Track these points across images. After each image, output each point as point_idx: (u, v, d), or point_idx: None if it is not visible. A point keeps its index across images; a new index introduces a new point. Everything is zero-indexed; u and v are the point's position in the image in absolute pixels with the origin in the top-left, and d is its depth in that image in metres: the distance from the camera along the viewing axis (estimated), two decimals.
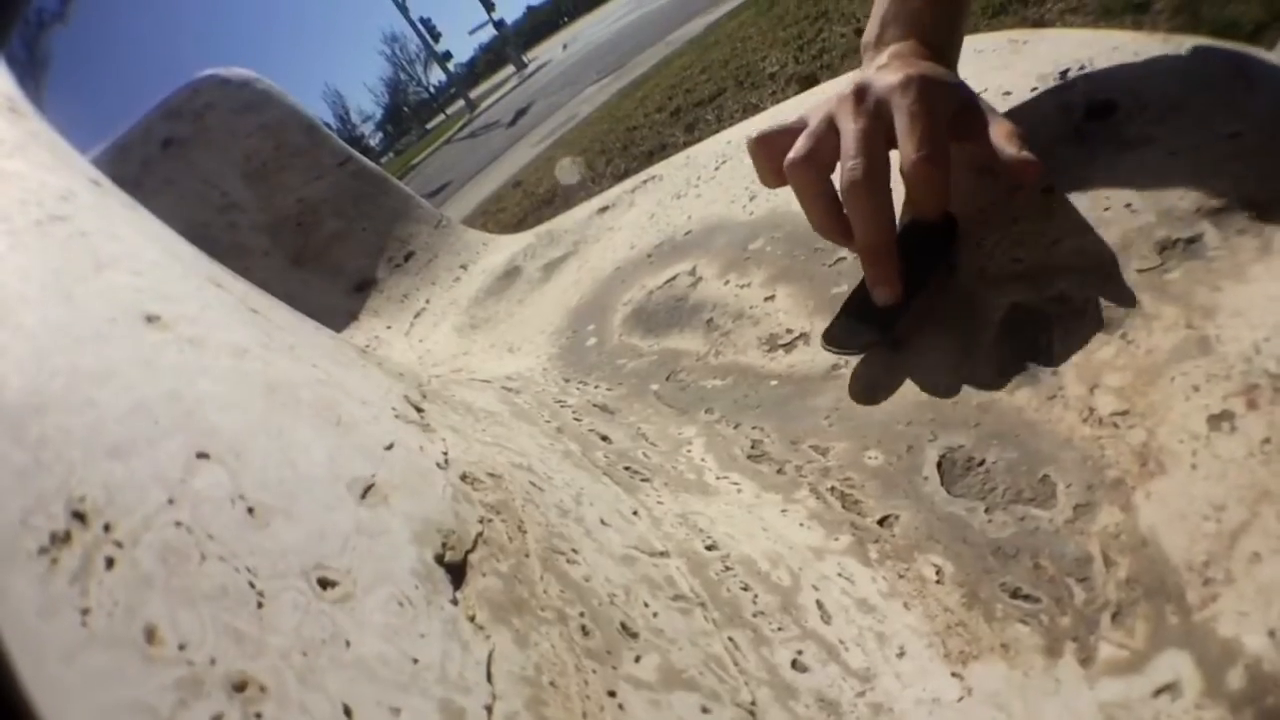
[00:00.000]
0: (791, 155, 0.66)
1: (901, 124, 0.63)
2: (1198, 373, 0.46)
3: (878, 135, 0.64)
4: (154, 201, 0.52)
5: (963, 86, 0.68)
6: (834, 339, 0.64)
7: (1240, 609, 0.37)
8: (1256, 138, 0.54)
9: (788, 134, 0.70)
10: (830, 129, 0.67)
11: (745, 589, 0.48)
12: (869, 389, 0.61)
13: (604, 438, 0.67)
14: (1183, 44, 0.66)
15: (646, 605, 0.44)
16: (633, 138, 7.07)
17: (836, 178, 0.65)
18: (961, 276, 0.62)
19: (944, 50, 0.74)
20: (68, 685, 0.23)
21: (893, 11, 0.76)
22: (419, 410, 0.53)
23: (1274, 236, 0.48)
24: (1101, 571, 0.42)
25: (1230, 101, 0.58)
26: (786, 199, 0.85)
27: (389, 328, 1.32)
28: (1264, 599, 0.36)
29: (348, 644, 0.31)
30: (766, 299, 0.76)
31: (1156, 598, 0.40)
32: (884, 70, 0.67)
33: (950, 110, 0.65)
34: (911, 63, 0.67)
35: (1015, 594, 0.44)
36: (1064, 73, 0.72)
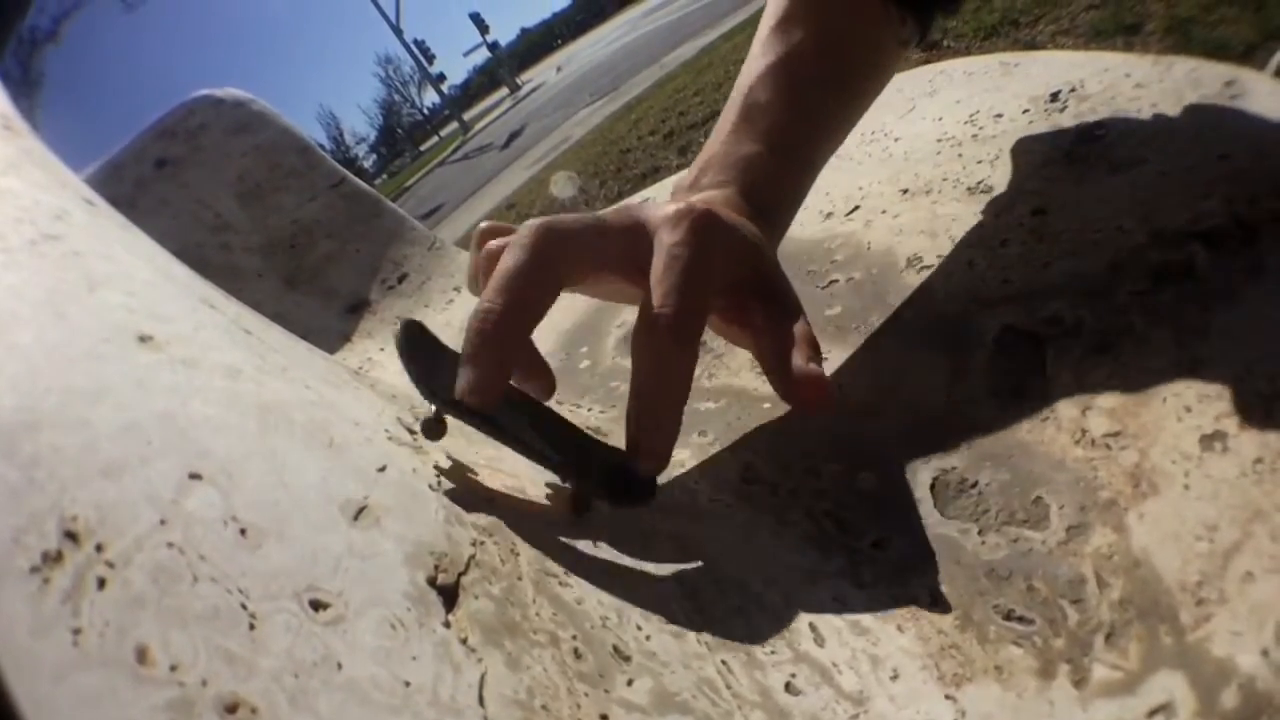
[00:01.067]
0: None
1: (655, 266, 0.51)
2: (1189, 393, 0.46)
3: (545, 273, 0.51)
4: (148, 221, 0.53)
5: (763, 252, 0.55)
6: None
7: (1234, 628, 0.37)
8: (1246, 158, 0.54)
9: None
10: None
11: (738, 612, 0.48)
12: (857, 409, 0.61)
13: None
14: (1172, 64, 0.67)
15: (639, 628, 0.44)
16: (626, 160, 7.10)
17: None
18: (953, 299, 0.62)
19: (771, 214, 0.61)
20: (59, 705, 0.23)
21: (719, 154, 0.64)
22: (412, 432, 0.53)
23: (1265, 257, 0.49)
24: (1095, 593, 0.42)
25: (1220, 123, 0.58)
26: None
27: (382, 349, 1.32)
28: (1257, 618, 0.36)
29: (340, 666, 0.31)
30: None
31: (1150, 618, 0.40)
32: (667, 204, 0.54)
33: (732, 270, 0.53)
34: (708, 202, 0.55)
35: (1009, 616, 0.44)
36: (1055, 94, 0.73)
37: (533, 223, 0.52)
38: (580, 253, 0.53)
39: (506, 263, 0.51)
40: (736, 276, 0.53)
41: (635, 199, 1.26)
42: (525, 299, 0.51)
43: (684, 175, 0.62)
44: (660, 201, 0.55)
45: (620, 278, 0.54)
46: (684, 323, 0.49)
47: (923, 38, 0.67)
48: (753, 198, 0.59)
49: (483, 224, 0.59)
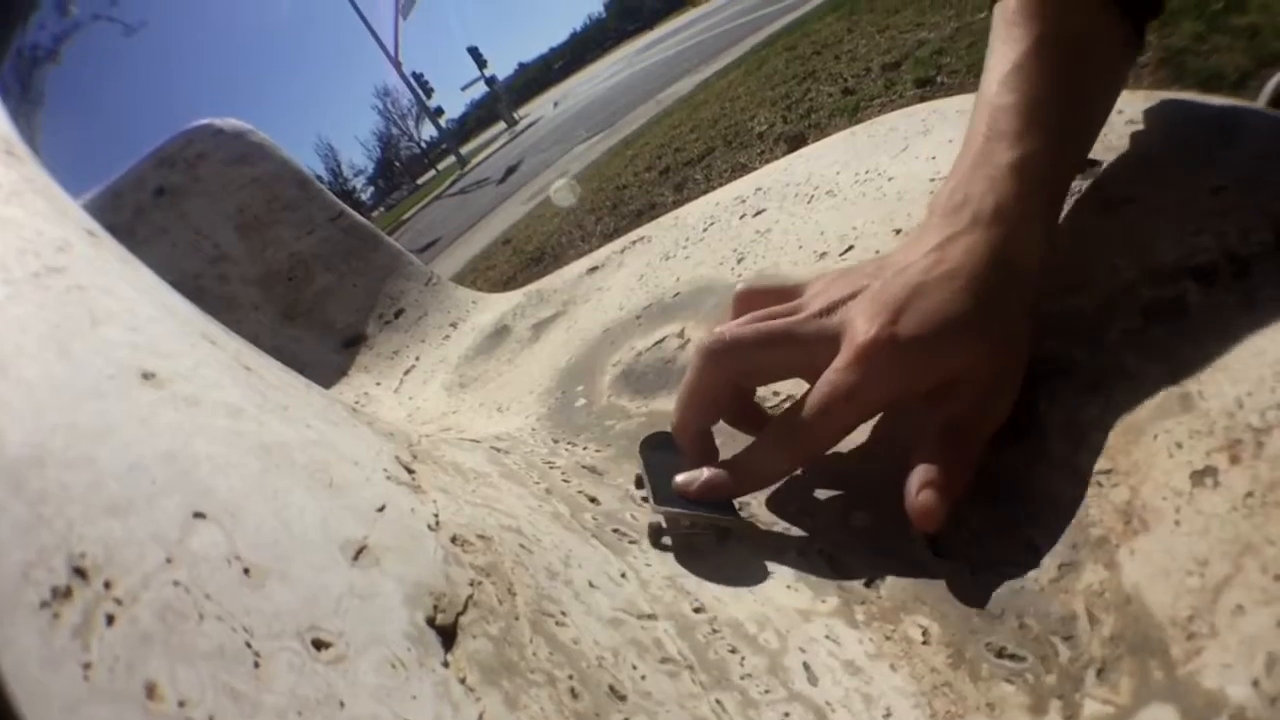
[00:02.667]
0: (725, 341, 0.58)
1: (809, 403, 0.54)
2: (1180, 429, 0.46)
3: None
4: (147, 250, 0.53)
5: (966, 338, 0.52)
6: (665, 503, 0.58)
7: (1224, 661, 0.37)
8: (1239, 192, 0.55)
9: (772, 296, 0.63)
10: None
11: (733, 651, 0.48)
12: (851, 448, 0.61)
13: (592, 499, 0.67)
14: (1164, 99, 0.68)
15: (635, 668, 0.44)
16: (622, 196, 7.12)
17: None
18: None
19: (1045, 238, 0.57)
20: None
21: (978, 191, 0.57)
22: (410, 471, 0.53)
23: (1256, 291, 0.49)
24: (1086, 629, 0.43)
25: (1212, 156, 0.59)
26: (774, 261, 0.86)
27: (378, 384, 1.32)
28: (1247, 650, 0.36)
29: (342, 705, 0.31)
30: None
31: (1141, 653, 0.40)
32: (878, 280, 0.55)
33: (917, 378, 0.54)
34: (922, 294, 0.53)
35: (1001, 653, 0.45)
36: None
37: (721, 334, 0.59)
38: (759, 369, 0.60)
39: (689, 381, 0.60)
40: (898, 396, 0.55)
41: (631, 236, 1.26)
42: (703, 417, 0.62)
43: (966, 201, 0.56)
44: (890, 270, 0.56)
45: (805, 379, 0.58)
46: (818, 432, 0.55)
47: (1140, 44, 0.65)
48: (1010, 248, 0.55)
49: (740, 287, 0.65)
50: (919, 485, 0.50)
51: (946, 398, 0.53)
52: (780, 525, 0.60)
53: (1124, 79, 0.65)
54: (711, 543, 0.58)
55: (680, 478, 0.58)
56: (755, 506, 0.62)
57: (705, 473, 0.58)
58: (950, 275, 0.53)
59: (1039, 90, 0.58)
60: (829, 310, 0.56)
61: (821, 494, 0.60)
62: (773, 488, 0.62)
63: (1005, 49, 0.61)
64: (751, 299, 0.64)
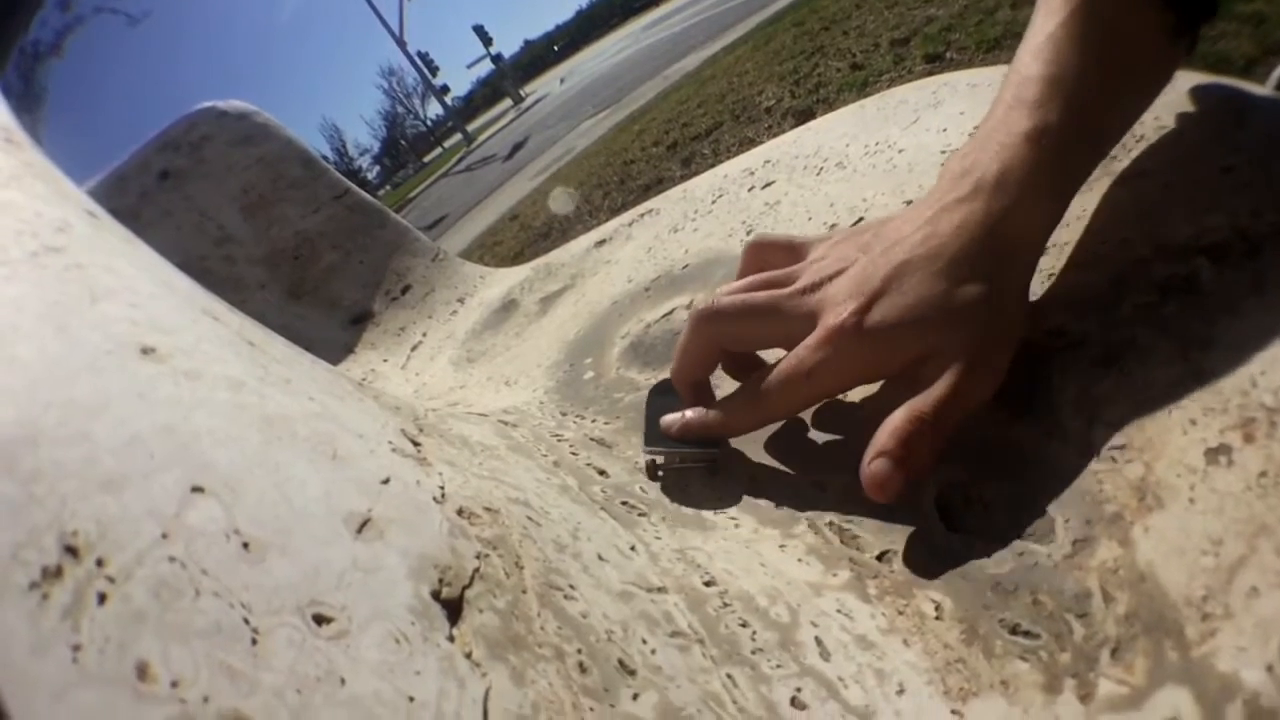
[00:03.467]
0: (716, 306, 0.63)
1: (812, 348, 0.57)
2: (1194, 406, 0.45)
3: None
4: (151, 233, 0.53)
5: (917, 332, 0.54)
6: (653, 443, 0.66)
7: (1239, 644, 0.36)
8: (1249, 171, 0.54)
9: (780, 250, 0.67)
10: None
11: (744, 625, 0.48)
12: (863, 421, 0.61)
13: (601, 472, 0.67)
14: (1176, 79, 0.67)
15: (644, 642, 0.44)
16: (629, 171, 7.11)
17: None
18: None
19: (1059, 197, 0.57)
20: None
21: (991, 164, 0.56)
22: (415, 444, 0.53)
23: (1268, 270, 0.48)
24: (1100, 607, 0.42)
25: (1223, 135, 0.58)
26: (784, 233, 0.85)
27: (385, 361, 1.32)
28: (1262, 633, 0.36)
29: (343, 681, 0.31)
30: None
31: (1155, 633, 0.39)
32: (874, 269, 0.56)
33: (886, 360, 0.56)
34: (902, 274, 0.55)
35: (1014, 630, 0.44)
36: None
37: (711, 303, 0.63)
38: (743, 338, 0.64)
39: (682, 340, 0.65)
40: (858, 375, 0.58)
41: (639, 209, 1.25)
42: (694, 372, 0.66)
43: (973, 167, 0.57)
44: (888, 230, 0.59)
45: (785, 350, 0.60)
46: (778, 403, 0.60)
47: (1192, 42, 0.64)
48: (1010, 226, 0.55)
49: (751, 239, 0.70)
50: (872, 454, 0.52)
51: (918, 376, 0.54)
52: (792, 498, 0.59)
53: (1163, 75, 0.63)
54: (701, 475, 0.64)
55: (664, 419, 0.65)
56: (765, 479, 0.62)
57: (685, 415, 0.64)
58: (934, 255, 0.54)
59: (1067, 63, 0.57)
60: (814, 287, 0.59)
61: (833, 467, 0.59)
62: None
63: (1043, 20, 0.60)
64: (761, 251, 0.68)
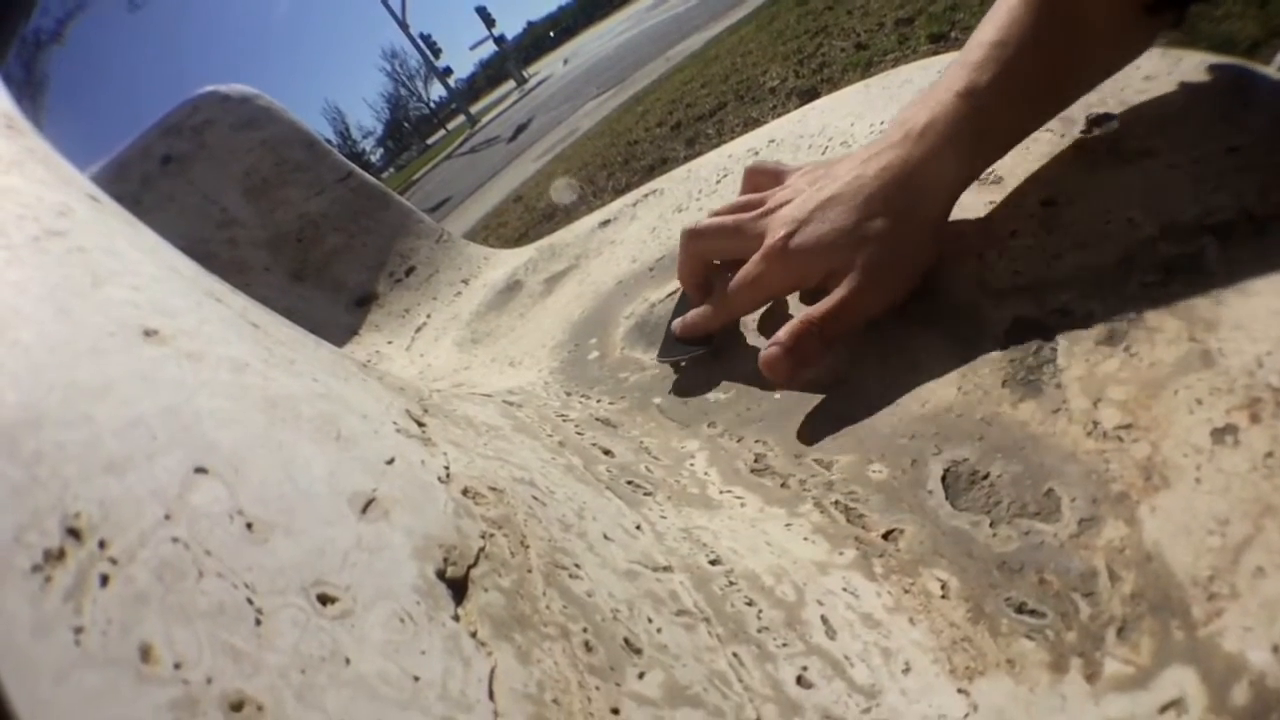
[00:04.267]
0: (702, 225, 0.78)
1: (752, 264, 0.71)
2: (1201, 386, 0.45)
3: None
4: (154, 218, 0.52)
5: (826, 255, 0.65)
6: (663, 356, 0.81)
7: (1245, 624, 0.36)
8: (1256, 152, 0.54)
9: (768, 175, 0.81)
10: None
11: (749, 604, 0.48)
12: (868, 400, 0.61)
13: (606, 451, 0.67)
14: (1181, 58, 0.66)
15: (650, 621, 0.44)
16: (633, 152, 7.09)
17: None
18: (963, 290, 0.62)
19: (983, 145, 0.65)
20: (60, 706, 0.23)
21: (930, 112, 0.65)
22: (420, 424, 0.53)
23: (1274, 250, 0.48)
24: (1106, 586, 0.42)
25: (1229, 115, 0.58)
26: None
27: (390, 342, 1.32)
28: (1268, 614, 0.36)
29: (347, 661, 0.31)
30: (768, 311, 0.76)
31: (1161, 613, 0.39)
32: (811, 200, 0.68)
33: (796, 285, 0.72)
34: (827, 206, 0.66)
35: (1020, 609, 0.44)
36: None
37: (694, 224, 0.78)
38: (718, 252, 0.77)
39: (679, 254, 0.79)
40: (800, 279, 0.70)
41: (643, 190, 1.25)
42: (690, 280, 0.80)
43: (909, 118, 0.66)
44: (842, 165, 0.70)
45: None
46: (729, 307, 0.74)
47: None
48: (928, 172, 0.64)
49: (749, 163, 0.84)
50: (768, 344, 0.65)
51: (827, 288, 0.65)
52: (799, 474, 0.59)
53: (1132, 46, 0.67)
54: (707, 361, 0.77)
55: (673, 324, 0.79)
56: (773, 458, 0.62)
57: (682, 319, 0.77)
58: (855, 193, 0.65)
59: (1014, 30, 0.63)
60: (767, 213, 0.72)
61: (838, 446, 0.59)
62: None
63: None
64: (754, 175, 0.82)
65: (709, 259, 0.78)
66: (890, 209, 0.63)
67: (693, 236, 0.77)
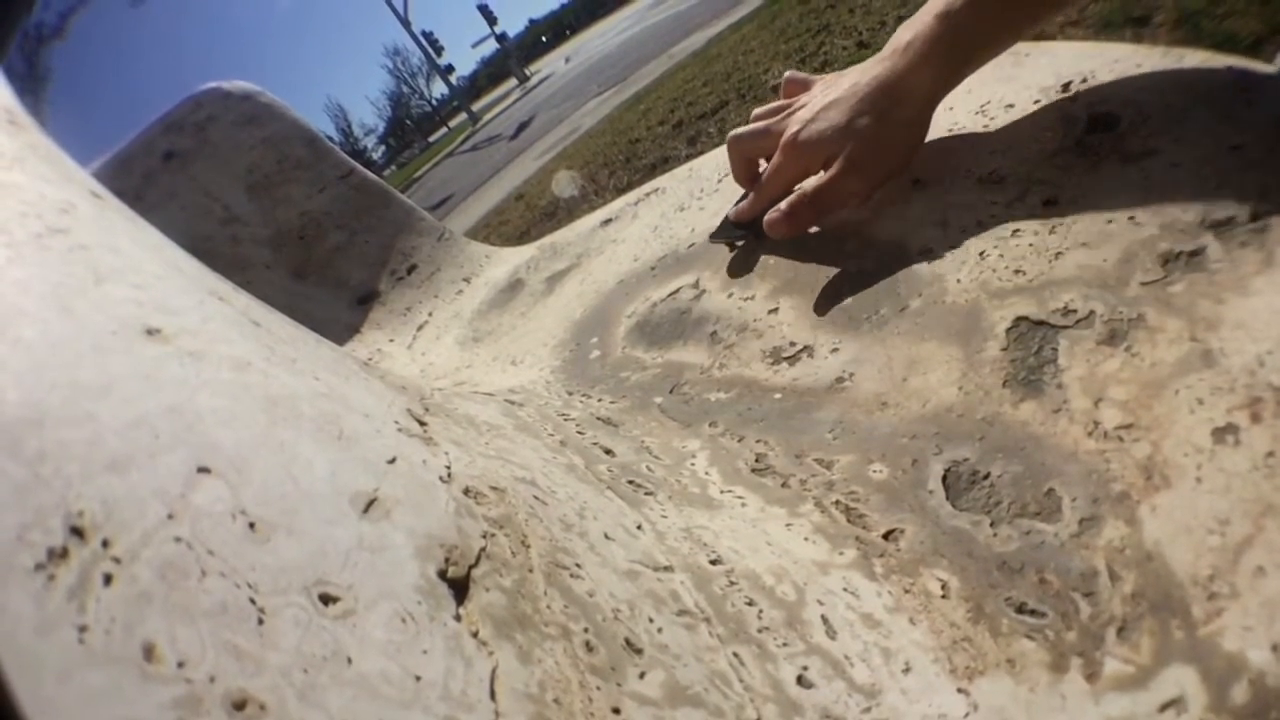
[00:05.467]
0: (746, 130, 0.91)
1: (774, 158, 0.85)
2: (1202, 386, 0.45)
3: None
4: (156, 214, 0.52)
5: (826, 144, 0.79)
6: (716, 236, 0.94)
7: (1245, 623, 0.37)
8: (1258, 150, 0.54)
9: (800, 85, 0.92)
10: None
11: (750, 604, 0.48)
12: (868, 400, 0.61)
13: (607, 451, 0.67)
14: (1183, 57, 0.66)
15: (651, 621, 0.44)
16: (635, 150, 7.07)
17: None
18: (964, 289, 0.62)
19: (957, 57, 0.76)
20: (64, 704, 0.23)
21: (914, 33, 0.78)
22: (422, 423, 0.53)
23: (1276, 249, 0.48)
24: (1107, 586, 0.42)
25: (1231, 114, 0.58)
26: None
27: (391, 340, 1.32)
28: (1268, 613, 0.36)
29: (349, 661, 0.31)
30: (770, 312, 0.76)
31: (1162, 612, 0.39)
32: (819, 103, 0.82)
33: (806, 169, 0.83)
34: (829, 108, 0.80)
35: (1021, 609, 0.44)
36: (1066, 85, 0.72)
37: (733, 133, 0.90)
38: (757, 151, 0.89)
39: (730, 161, 0.93)
40: (809, 164, 0.82)
41: (645, 188, 1.25)
42: (741, 176, 0.92)
43: (897, 37, 0.78)
44: (834, 93, 0.81)
45: None
46: (762, 193, 0.86)
47: None
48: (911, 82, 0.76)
49: (787, 74, 0.94)
50: (772, 210, 0.81)
51: (825, 171, 0.79)
52: (799, 474, 0.59)
53: None
54: (753, 243, 0.89)
55: (728, 212, 0.92)
56: (774, 458, 0.62)
57: (732, 209, 0.90)
58: (850, 97, 0.79)
59: None
60: (788, 116, 0.86)
61: (839, 446, 0.59)
62: None
63: None
64: (790, 83, 0.93)
65: (752, 157, 0.91)
66: (875, 110, 0.77)
67: (735, 140, 0.91)
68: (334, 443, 0.42)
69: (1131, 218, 0.56)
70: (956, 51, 0.75)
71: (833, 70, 0.88)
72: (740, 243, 0.91)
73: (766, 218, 0.81)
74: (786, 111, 0.87)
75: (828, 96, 0.82)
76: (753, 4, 10.64)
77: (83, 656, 0.24)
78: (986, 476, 0.51)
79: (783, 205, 0.81)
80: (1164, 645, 0.38)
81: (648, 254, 1.03)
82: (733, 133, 0.91)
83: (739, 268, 0.88)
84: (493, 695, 0.34)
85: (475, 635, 0.37)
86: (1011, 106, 0.75)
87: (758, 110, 0.93)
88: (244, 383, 0.40)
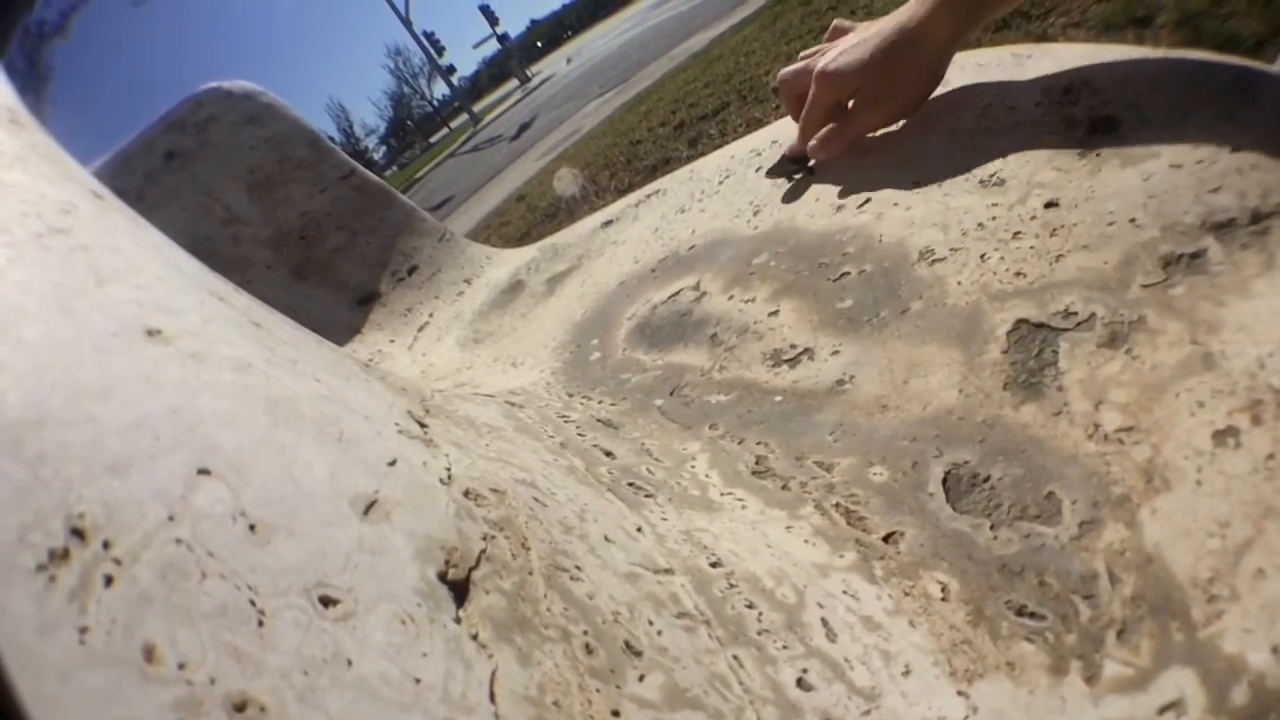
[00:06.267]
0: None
1: (804, 107, 0.96)
2: (1202, 388, 0.45)
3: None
4: (157, 214, 0.52)
5: (849, 77, 0.90)
6: (773, 172, 1.02)
7: (1245, 626, 0.37)
8: (1260, 152, 0.54)
9: (841, 31, 1.02)
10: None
11: (750, 606, 0.48)
12: (869, 402, 0.61)
13: (608, 453, 0.67)
14: (1185, 59, 0.66)
15: (650, 623, 0.44)
16: (636, 152, 7.07)
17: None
18: (965, 292, 0.62)
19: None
20: (65, 705, 0.23)
21: None
22: (422, 425, 0.53)
23: (1277, 251, 0.48)
24: (1107, 589, 0.42)
25: (1233, 116, 0.58)
26: (791, 214, 0.85)
27: (392, 341, 1.32)
28: (1268, 615, 0.36)
29: (349, 663, 0.31)
30: (770, 314, 0.76)
31: (1162, 615, 0.39)
32: (849, 42, 0.93)
33: (834, 99, 0.93)
34: (855, 47, 0.90)
35: (1021, 611, 0.44)
36: (1068, 87, 0.72)
37: (781, 74, 1.02)
38: (802, 87, 0.97)
39: (782, 101, 1.03)
40: (834, 99, 0.93)
41: (646, 190, 1.26)
42: (792, 108, 1.01)
43: None
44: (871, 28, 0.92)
45: None
46: (805, 124, 0.95)
47: None
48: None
49: (835, 22, 1.04)
50: (812, 140, 0.92)
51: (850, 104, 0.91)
52: (799, 476, 0.59)
53: None
54: (806, 178, 0.96)
55: (786, 150, 1.02)
56: (774, 460, 0.62)
57: (788, 146, 1.01)
58: (874, 38, 0.88)
59: None
60: (822, 56, 0.95)
61: (841, 447, 0.60)
62: None
63: None
64: (834, 30, 1.02)
65: (798, 93, 0.99)
66: (894, 51, 0.86)
67: (783, 78, 1.02)
68: (334, 444, 0.42)
69: (1132, 220, 0.56)
70: (976, 7, 0.83)
71: None
72: (797, 176, 0.99)
73: (811, 145, 0.93)
74: (820, 55, 0.98)
75: (857, 38, 0.92)
76: (754, 5, 10.64)
77: (84, 657, 0.24)
78: (987, 479, 0.51)
79: (819, 136, 0.92)
80: (1164, 648, 0.38)
81: (648, 256, 1.03)
82: (781, 71, 1.03)
83: (792, 197, 0.94)
84: (492, 698, 0.34)
85: (475, 638, 0.37)
86: (1013, 109, 0.75)
87: (804, 52, 1.04)
88: (245, 384, 0.40)
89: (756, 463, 0.62)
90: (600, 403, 0.80)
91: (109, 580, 0.26)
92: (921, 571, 0.49)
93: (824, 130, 0.93)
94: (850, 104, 0.92)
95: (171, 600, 0.27)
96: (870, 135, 0.92)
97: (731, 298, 0.82)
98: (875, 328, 0.65)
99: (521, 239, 6.07)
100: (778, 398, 0.67)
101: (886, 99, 0.89)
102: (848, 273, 0.73)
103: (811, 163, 0.98)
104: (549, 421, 0.73)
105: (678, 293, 0.89)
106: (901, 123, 0.91)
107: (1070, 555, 0.45)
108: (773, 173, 1.03)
